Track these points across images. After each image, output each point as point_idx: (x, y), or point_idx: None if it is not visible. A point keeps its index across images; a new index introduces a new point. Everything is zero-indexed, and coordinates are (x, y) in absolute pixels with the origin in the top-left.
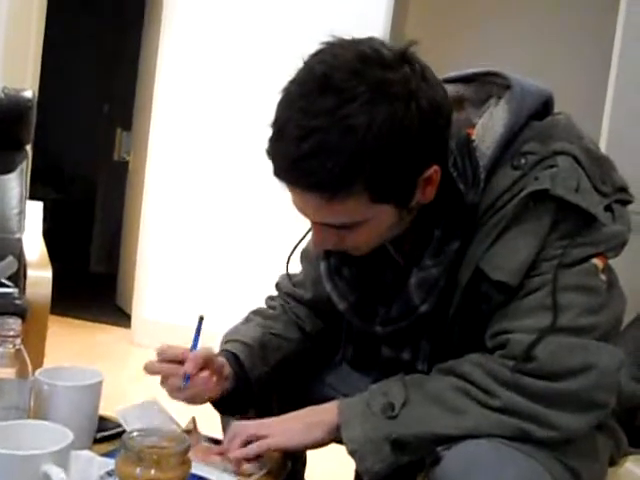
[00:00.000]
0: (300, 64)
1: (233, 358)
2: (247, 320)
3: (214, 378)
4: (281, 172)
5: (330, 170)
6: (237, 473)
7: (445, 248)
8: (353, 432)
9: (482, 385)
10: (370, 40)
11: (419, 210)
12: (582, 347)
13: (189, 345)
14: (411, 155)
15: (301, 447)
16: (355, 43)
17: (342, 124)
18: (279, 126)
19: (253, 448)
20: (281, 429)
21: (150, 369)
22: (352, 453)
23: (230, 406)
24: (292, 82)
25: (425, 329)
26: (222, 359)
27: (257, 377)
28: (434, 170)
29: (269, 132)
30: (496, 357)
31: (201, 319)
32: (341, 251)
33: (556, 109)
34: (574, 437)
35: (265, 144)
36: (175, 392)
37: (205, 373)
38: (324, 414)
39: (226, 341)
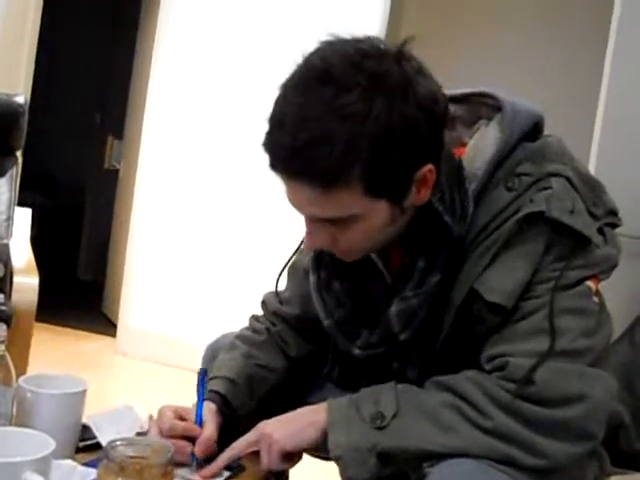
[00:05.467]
0: (296, 64)
1: (221, 400)
2: (232, 347)
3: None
4: (278, 163)
5: (327, 159)
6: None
7: (428, 279)
8: (339, 437)
9: (477, 404)
10: (368, 38)
11: (408, 233)
12: (579, 374)
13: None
14: (408, 146)
15: (297, 448)
16: (354, 40)
17: (340, 112)
18: (277, 119)
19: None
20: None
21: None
22: (337, 459)
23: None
24: (290, 78)
25: (409, 352)
26: (213, 409)
27: (245, 414)
28: (429, 169)
29: (265, 127)
30: (494, 378)
31: (204, 373)
32: (331, 265)
33: (545, 129)
34: (560, 467)
35: (261, 139)
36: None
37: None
38: (315, 415)
39: (212, 377)
